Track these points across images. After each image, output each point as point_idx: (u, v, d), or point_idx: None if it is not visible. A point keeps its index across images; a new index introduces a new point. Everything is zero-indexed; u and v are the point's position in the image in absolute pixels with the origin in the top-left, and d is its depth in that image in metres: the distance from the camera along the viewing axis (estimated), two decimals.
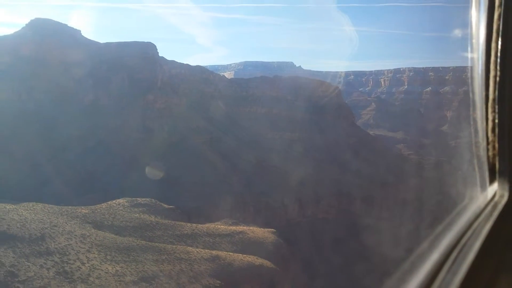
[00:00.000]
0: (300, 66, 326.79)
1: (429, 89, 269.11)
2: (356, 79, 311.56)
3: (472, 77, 5.26)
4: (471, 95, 5.31)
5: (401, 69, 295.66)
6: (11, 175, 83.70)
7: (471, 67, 5.23)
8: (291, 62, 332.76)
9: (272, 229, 62.42)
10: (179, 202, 73.18)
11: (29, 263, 40.59)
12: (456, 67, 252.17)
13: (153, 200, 63.69)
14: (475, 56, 5.04)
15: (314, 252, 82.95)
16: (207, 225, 59.63)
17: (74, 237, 46.64)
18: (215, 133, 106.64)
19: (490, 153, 4.97)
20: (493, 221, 4.24)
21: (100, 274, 41.38)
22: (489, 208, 4.68)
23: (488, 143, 4.97)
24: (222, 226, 60.25)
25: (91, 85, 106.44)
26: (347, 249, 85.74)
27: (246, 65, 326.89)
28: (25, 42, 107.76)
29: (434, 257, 3.45)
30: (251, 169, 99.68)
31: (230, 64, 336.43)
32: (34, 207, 53.31)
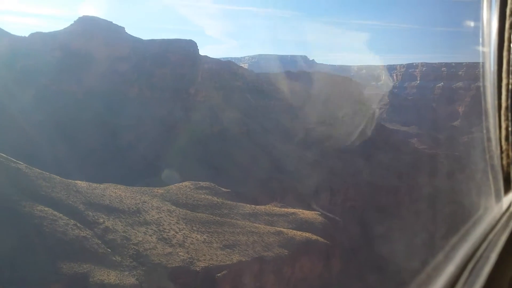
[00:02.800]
0: (313, 59, 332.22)
1: (441, 84, 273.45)
2: (368, 73, 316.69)
3: (484, 86, 5.17)
4: (483, 103, 5.21)
5: (414, 64, 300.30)
6: (72, 159, 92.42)
7: (483, 75, 5.15)
8: (305, 55, 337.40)
9: (317, 212, 70.80)
10: (228, 186, 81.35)
11: (135, 231, 49.17)
12: (469, 63, 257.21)
13: (212, 184, 72.04)
14: (487, 64, 4.97)
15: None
16: (263, 206, 68.07)
17: (163, 212, 55.20)
18: (250, 125, 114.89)
19: (504, 162, 4.88)
20: (509, 232, 4.10)
21: (192, 241, 49.93)
22: (504, 218, 4.53)
23: (502, 152, 4.87)
24: (275, 208, 68.67)
25: (135, 78, 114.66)
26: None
27: (260, 58, 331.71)
28: (75, 37, 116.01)
29: (450, 269, 3.42)
30: (284, 159, 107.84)
31: (244, 57, 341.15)
32: (118, 187, 61.80)
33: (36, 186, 49.89)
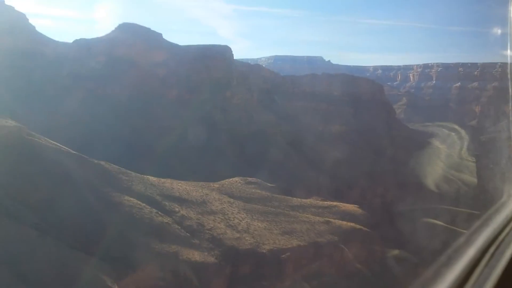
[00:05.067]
0: (329, 60, 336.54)
1: (458, 84, 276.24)
2: (384, 73, 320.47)
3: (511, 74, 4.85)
4: (511, 91, 5.17)
5: (430, 64, 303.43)
6: (121, 158, 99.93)
7: (511, 65, 4.99)
8: (320, 56, 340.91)
9: (356, 205, 77.14)
10: (269, 182, 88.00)
11: (205, 218, 56.12)
12: (486, 63, 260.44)
13: (258, 179, 78.83)
14: None
15: None
16: (307, 200, 74.66)
17: (224, 203, 62.11)
18: (282, 126, 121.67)
19: None
20: None
21: (255, 228, 56.71)
22: None
23: None
24: (318, 201, 75.19)
25: (174, 82, 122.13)
26: None
27: (276, 59, 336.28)
28: (117, 44, 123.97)
29: (471, 252, 3.42)
30: (315, 157, 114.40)
31: (260, 58, 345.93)
32: (180, 182, 68.83)
33: (118, 180, 57.16)
